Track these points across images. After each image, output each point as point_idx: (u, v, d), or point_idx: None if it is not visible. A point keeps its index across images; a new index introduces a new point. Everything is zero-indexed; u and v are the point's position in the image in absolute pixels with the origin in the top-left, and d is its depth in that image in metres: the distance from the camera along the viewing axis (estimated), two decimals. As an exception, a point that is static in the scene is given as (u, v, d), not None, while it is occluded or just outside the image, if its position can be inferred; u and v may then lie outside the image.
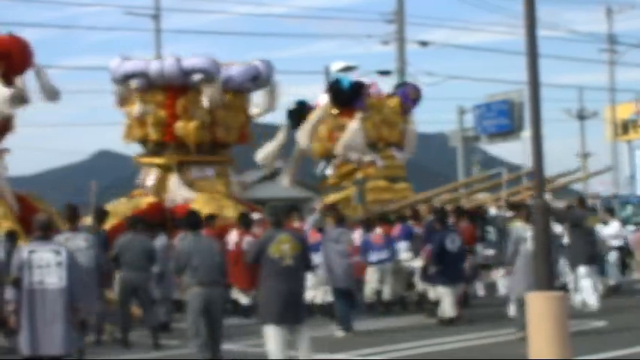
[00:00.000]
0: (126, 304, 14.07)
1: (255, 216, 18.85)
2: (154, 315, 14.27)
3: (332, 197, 23.93)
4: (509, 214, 19.05)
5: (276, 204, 10.79)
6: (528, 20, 10.62)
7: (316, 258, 14.68)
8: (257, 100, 22.90)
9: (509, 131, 40.84)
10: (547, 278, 10.26)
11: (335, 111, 23.93)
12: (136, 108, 21.95)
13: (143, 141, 22.69)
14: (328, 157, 24.58)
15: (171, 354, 13.20)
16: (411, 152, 25.45)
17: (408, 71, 36.76)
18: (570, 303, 14.47)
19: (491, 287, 20.61)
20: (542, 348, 9.84)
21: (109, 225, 16.77)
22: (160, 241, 15.88)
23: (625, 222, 23.59)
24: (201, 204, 20.72)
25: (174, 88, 21.86)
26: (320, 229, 16.79)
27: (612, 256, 21.51)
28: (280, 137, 25.07)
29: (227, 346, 12.98)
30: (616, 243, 21.74)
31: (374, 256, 17.58)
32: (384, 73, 27.24)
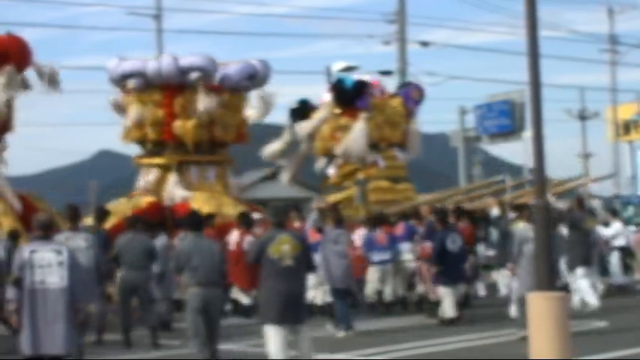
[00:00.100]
0: (126, 303, 14.07)
1: (256, 216, 18.86)
2: (154, 314, 14.27)
3: (333, 197, 23.94)
4: (512, 215, 19.04)
5: (278, 204, 10.74)
6: (529, 20, 10.62)
7: (316, 258, 14.68)
8: (251, 106, 22.86)
9: (510, 131, 40.81)
10: (548, 278, 10.26)
11: (337, 110, 23.94)
12: (132, 113, 21.98)
13: (141, 141, 22.73)
14: (330, 156, 24.59)
15: (172, 354, 13.20)
16: (416, 153, 25.41)
17: (410, 71, 36.78)
18: (570, 303, 14.50)
19: (492, 288, 20.61)
20: (543, 348, 9.84)
21: (108, 224, 16.78)
22: (160, 240, 15.88)
23: (626, 222, 23.55)
24: (201, 202, 20.75)
25: (171, 87, 21.90)
26: (319, 229, 16.80)
27: (614, 257, 21.52)
28: (286, 136, 25.10)
29: (228, 346, 13.00)
30: (618, 243, 21.74)
31: (376, 257, 17.59)
32: (386, 73, 27.23)
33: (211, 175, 22.58)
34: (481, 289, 20.49)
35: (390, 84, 26.84)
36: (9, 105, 18.70)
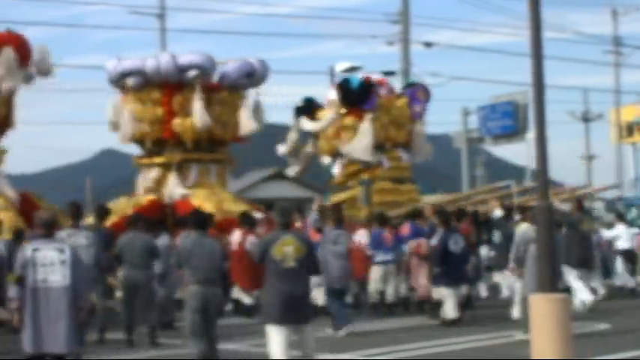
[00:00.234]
0: (129, 302, 14.05)
1: (258, 215, 18.87)
2: (155, 314, 14.25)
3: (337, 197, 23.94)
4: (518, 217, 19.04)
5: (285, 205, 10.67)
6: (533, 22, 10.61)
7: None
8: (245, 118, 22.80)
9: (513, 133, 40.83)
10: (550, 280, 10.25)
11: (343, 110, 23.93)
12: (128, 112, 22.02)
13: (141, 141, 22.76)
14: (335, 155, 24.58)
15: (173, 353, 13.19)
16: (422, 157, 25.30)
17: (413, 72, 36.78)
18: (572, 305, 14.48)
19: (495, 289, 20.61)
20: (544, 350, 9.84)
21: (109, 222, 16.79)
22: (162, 240, 15.88)
23: (630, 224, 23.53)
24: (201, 199, 20.79)
25: (170, 85, 21.95)
26: (319, 230, 16.78)
27: (619, 260, 21.52)
28: (292, 135, 25.10)
29: (230, 346, 13.01)
30: (623, 246, 21.73)
31: (379, 256, 17.62)
32: (389, 73, 27.14)
33: (212, 173, 22.62)
34: (483, 291, 20.48)
35: (395, 84, 26.80)
36: (10, 97, 18.78)
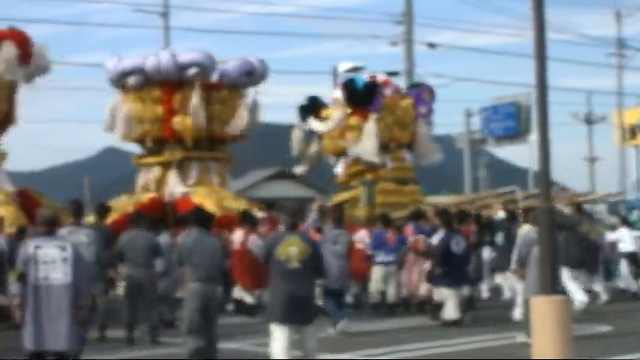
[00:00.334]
0: (131, 301, 14.04)
1: (260, 214, 18.87)
2: (156, 312, 14.25)
3: (340, 196, 23.93)
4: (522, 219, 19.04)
5: (293, 206, 10.65)
6: (537, 23, 10.60)
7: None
8: (238, 116, 22.83)
9: (515, 134, 40.74)
10: (551, 282, 10.25)
11: (348, 110, 23.90)
12: (126, 111, 22.05)
13: (141, 140, 22.78)
14: (338, 154, 24.56)
15: (173, 352, 13.18)
16: (427, 159, 25.22)
17: (416, 72, 36.74)
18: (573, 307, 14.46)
19: (496, 290, 20.60)
20: (545, 351, 9.83)
21: (109, 220, 16.79)
22: (163, 238, 15.87)
23: (632, 227, 23.50)
24: (202, 196, 20.82)
25: (170, 84, 21.98)
26: (318, 230, 16.81)
27: (623, 263, 21.49)
28: (297, 133, 25.08)
29: (231, 345, 13.02)
30: (626, 249, 21.69)
31: (380, 257, 17.61)
32: (393, 74, 27.13)
33: (212, 171, 22.64)
34: (485, 292, 20.47)
35: (399, 85, 26.77)
36: (11, 93, 18.83)
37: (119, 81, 22.30)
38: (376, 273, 17.71)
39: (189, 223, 11.90)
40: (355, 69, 27.19)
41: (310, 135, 24.91)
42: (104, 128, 22.67)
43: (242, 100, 22.83)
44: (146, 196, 21.84)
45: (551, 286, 10.22)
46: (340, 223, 15.87)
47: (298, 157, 25.71)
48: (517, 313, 15.49)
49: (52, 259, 9.27)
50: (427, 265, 16.80)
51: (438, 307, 16.06)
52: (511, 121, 40.51)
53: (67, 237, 11.18)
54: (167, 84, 22.01)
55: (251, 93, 23.15)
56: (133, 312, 14.02)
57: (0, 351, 12.56)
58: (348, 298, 17.56)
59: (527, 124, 39.68)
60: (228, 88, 22.52)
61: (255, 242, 17.20)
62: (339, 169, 24.70)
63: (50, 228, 9.55)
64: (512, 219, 19.04)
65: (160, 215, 19.13)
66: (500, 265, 18.74)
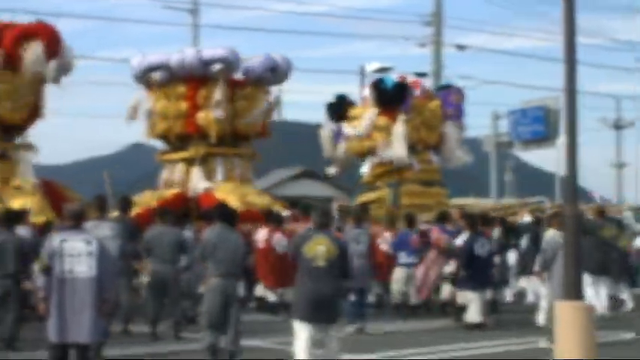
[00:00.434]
0: (156, 296, 14.07)
1: (285, 213, 18.89)
2: (180, 308, 14.29)
3: (365, 197, 23.91)
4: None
5: (325, 206, 10.72)
6: (567, 27, 10.54)
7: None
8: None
9: (543, 138, 40.53)
10: (576, 287, 10.20)
11: (377, 110, 23.86)
12: (147, 107, 22.18)
13: (165, 136, 22.88)
14: (364, 154, 24.52)
15: (196, 347, 13.20)
16: (453, 162, 25.10)
17: (445, 74, 36.67)
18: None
19: (521, 294, 20.52)
20: (568, 357, 9.78)
21: (133, 213, 16.86)
22: (187, 233, 15.90)
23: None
24: (226, 192, 20.87)
25: (195, 79, 22.06)
26: (339, 229, 16.81)
27: None
28: (325, 133, 25.06)
29: (254, 343, 13.04)
30: None
31: (402, 259, 17.59)
32: (420, 75, 27.08)
33: (236, 167, 22.69)
34: (509, 295, 20.40)
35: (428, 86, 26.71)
36: (39, 87, 18.99)
37: (144, 77, 22.42)
38: (398, 274, 17.68)
39: (213, 219, 11.93)
40: (383, 69, 27.16)
41: (338, 135, 24.88)
42: (126, 118, 22.86)
43: (266, 97, 22.90)
44: (170, 192, 21.93)
45: (575, 291, 10.17)
46: (361, 223, 15.87)
47: (328, 159, 25.68)
48: (540, 318, 15.42)
49: (78, 253, 9.33)
50: (449, 267, 16.76)
51: (461, 309, 16.02)
52: (539, 125, 40.30)
53: (91, 230, 11.23)
54: (192, 80, 22.10)
55: (275, 91, 23.21)
56: (158, 307, 14.06)
57: (25, 342, 12.65)
58: (370, 298, 17.55)
59: (556, 128, 39.47)
60: (252, 84, 22.57)
61: (280, 241, 17.24)
62: (365, 169, 24.66)
63: (77, 222, 9.61)
64: (538, 223, 18.96)
65: (184, 210, 19.20)
66: (525, 268, 18.66)
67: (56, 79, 19.32)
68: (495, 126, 42.64)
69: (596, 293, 17.38)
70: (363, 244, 15.34)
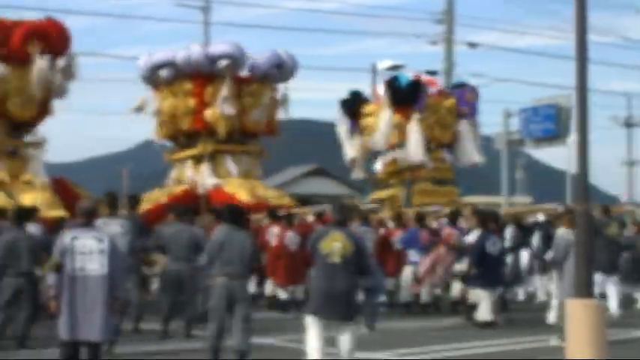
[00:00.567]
0: (170, 294, 14.05)
1: (295, 211, 18.97)
2: (193, 307, 14.28)
3: (378, 194, 23.91)
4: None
5: (343, 203, 10.70)
6: (579, 25, 10.52)
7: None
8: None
9: (554, 136, 40.42)
10: (587, 285, 10.18)
11: (391, 108, 23.84)
12: (154, 105, 22.27)
13: (174, 136, 22.96)
14: (377, 152, 24.49)
15: (206, 346, 13.24)
16: (466, 161, 24.99)
17: (456, 72, 36.63)
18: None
19: (532, 292, 20.48)
20: (579, 355, 9.77)
21: (142, 210, 16.89)
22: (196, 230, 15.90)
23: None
24: (235, 187, 20.94)
25: (202, 76, 22.12)
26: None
27: None
28: (342, 130, 25.01)
29: (265, 340, 13.05)
30: None
31: (412, 257, 17.58)
32: (431, 73, 27.07)
33: (244, 164, 22.74)
34: (520, 294, 20.36)
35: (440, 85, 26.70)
36: (47, 88, 19.03)
37: (151, 77, 22.50)
38: (407, 273, 17.66)
39: (222, 217, 11.95)
40: (395, 67, 27.17)
41: (352, 132, 24.85)
42: (133, 109, 22.96)
43: (272, 93, 22.94)
44: (179, 188, 22.00)
45: (587, 289, 10.16)
46: (366, 221, 15.88)
47: (348, 163, 25.54)
48: (551, 316, 15.40)
49: (89, 250, 9.34)
50: (460, 265, 16.73)
51: (472, 307, 16.00)
52: (550, 123, 40.15)
53: (101, 228, 11.26)
54: (198, 76, 22.16)
55: (281, 88, 23.26)
56: (172, 305, 14.05)
57: (36, 339, 12.68)
58: (381, 297, 17.53)
59: (567, 126, 39.36)
60: (258, 81, 22.61)
61: (292, 239, 17.28)
62: (378, 166, 24.64)
63: (88, 219, 9.62)
64: (550, 221, 18.92)
65: (194, 207, 19.25)
66: (537, 266, 18.62)
67: (62, 94, 19.32)
68: (506, 124, 42.50)
69: (607, 292, 17.34)
70: (368, 242, 15.33)
